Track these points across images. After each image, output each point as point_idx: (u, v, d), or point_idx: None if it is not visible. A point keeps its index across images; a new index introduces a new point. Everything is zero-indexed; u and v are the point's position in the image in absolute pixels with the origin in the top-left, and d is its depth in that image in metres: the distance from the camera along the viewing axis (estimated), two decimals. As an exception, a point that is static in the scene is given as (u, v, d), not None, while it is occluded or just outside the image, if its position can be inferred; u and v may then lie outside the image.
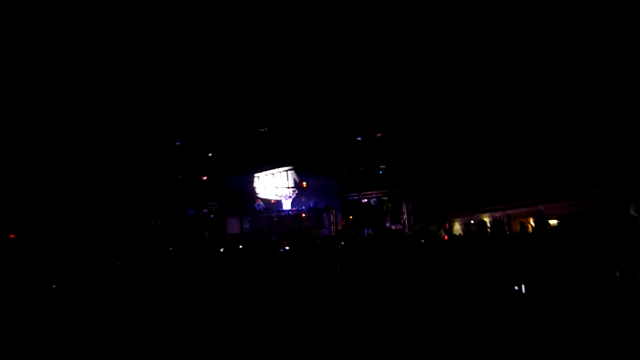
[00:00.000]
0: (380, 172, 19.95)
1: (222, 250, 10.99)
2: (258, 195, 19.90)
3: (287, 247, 10.05)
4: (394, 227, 18.84)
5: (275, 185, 20.24)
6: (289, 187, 20.34)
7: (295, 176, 20.42)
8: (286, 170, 20.42)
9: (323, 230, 18.41)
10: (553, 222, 11.15)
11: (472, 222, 16.57)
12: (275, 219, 18.83)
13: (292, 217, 18.78)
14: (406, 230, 18.35)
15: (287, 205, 19.38)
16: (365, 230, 18.08)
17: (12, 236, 11.55)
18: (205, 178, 19.57)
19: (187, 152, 19.12)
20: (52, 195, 14.48)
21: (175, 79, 14.71)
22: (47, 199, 14.26)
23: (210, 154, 19.44)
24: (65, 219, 14.26)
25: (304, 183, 20.35)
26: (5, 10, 10.05)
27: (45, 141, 14.22)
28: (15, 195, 13.27)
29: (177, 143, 18.74)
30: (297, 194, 19.98)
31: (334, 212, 19.12)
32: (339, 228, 18.88)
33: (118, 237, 15.12)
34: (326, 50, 13.83)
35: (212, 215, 19.37)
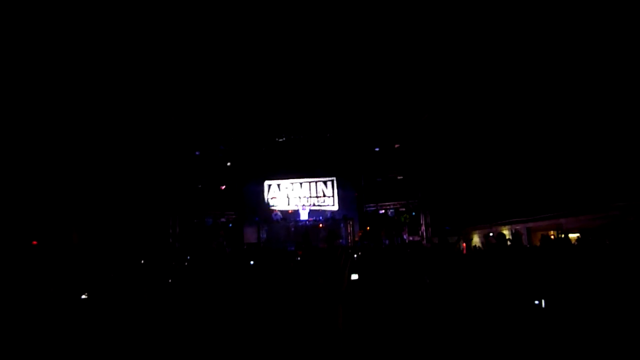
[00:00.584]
0: (398, 182, 20.08)
1: (239, 259, 10.93)
2: (275, 206, 20.11)
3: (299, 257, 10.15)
4: (411, 239, 18.90)
5: (292, 195, 20.40)
6: (305, 197, 20.52)
7: (313, 186, 20.63)
8: (307, 182, 20.61)
9: (340, 240, 18.66)
10: (573, 235, 10.82)
11: (491, 234, 16.50)
12: (293, 229, 19.10)
13: (309, 227, 18.96)
14: (424, 242, 18.38)
15: (304, 216, 19.60)
16: (385, 241, 18.27)
17: (35, 242, 11.76)
18: (223, 187, 19.89)
19: (207, 161, 19.47)
20: (81, 202, 14.83)
21: (195, 90, 15.16)
22: (77, 206, 14.63)
23: (229, 164, 19.77)
24: (91, 226, 14.66)
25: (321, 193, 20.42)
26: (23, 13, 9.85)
27: (73, 150, 14.55)
28: (54, 201, 13.72)
29: (197, 153, 19.10)
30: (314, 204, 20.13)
31: (351, 222, 19.34)
32: (356, 239, 19.00)
33: (137, 245, 15.38)
34: (345, 61, 13.96)
35: (230, 225, 19.70)
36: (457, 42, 12.64)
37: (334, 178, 20.61)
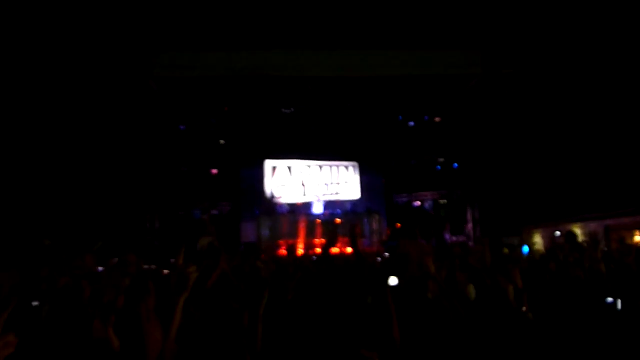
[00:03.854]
0: (439, 167, 20.22)
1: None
2: (282, 197, 20.25)
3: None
4: (455, 239, 19.04)
5: (309, 182, 20.47)
6: (326, 185, 20.64)
7: (329, 171, 20.77)
8: (329, 165, 20.72)
9: (363, 240, 18.53)
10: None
11: (557, 233, 16.58)
12: (302, 224, 18.95)
13: (324, 222, 18.94)
14: (471, 243, 18.35)
15: (318, 209, 19.59)
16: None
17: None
18: (215, 172, 19.94)
19: (194, 138, 19.45)
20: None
21: (177, 41, 14.95)
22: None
23: (222, 142, 19.76)
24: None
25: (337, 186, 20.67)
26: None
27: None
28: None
29: (182, 127, 19.10)
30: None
31: (377, 217, 19.25)
32: (384, 238, 19.02)
33: (105, 244, 15.38)
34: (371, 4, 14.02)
35: (224, 219, 19.87)
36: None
37: (356, 163, 20.90)
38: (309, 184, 20.41)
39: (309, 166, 20.60)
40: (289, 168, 20.39)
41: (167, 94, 17.49)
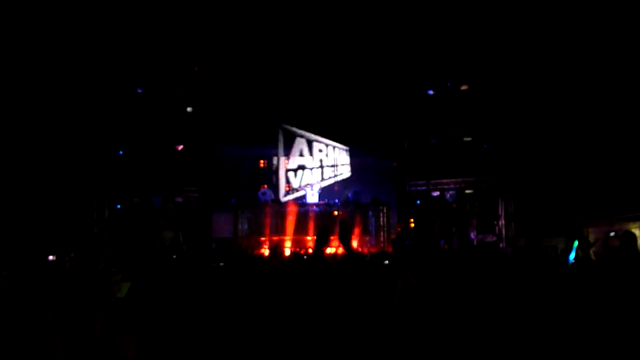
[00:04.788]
0: (464, 147, 20.04)
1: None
2: (303, 185, 20.21)
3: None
4: (481, 238, 18.78)
5: (292, 164, 20.48)
6: (314, 167, 20.46)
7: (325, 150, 20.80)
8: (312, 140, 20.59)
9: (367, 238, 18.37)
10: None
11: (612, 234, 15.98)
12: (291, 217, 18.47)
13: (318, 215, 18.47)
14: (502, 244, 18.46)
15: (312, 198, 19.22)
16: (436, 242, 17.52)
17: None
18: (181, 148, 19.76)
19: (153, 105, 19.15)
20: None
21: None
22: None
23: (189, 109, 19.56)
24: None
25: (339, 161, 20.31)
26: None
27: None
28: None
29: (139, 90, 18.80)
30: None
31: (384, 209, 18.74)
32: (393, 236, 18.72)
33: (41, 238, 14.52)
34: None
35: (191, 208, 19.82)
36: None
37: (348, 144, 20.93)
38: (296, 167, 20.71)
39: (301, 144, 20.80)
40: (310, 144, 20.87)
41: (117, 46, 17.26)
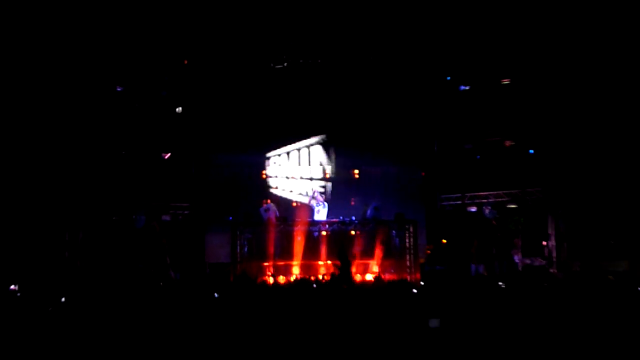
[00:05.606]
0: (506, 154, 19.82)
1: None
2: (270, 192, 20.16)
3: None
4: (528, 262, 18.86)
5: (300, 174, 20.40)
6: (325, 178, 20.52)
7: (335, 157, 20.77)
8: (321, 144, 20.64)
9: (390, 262, 18.12)
10: None
11: None
12: (299, 238, 18.34)
13: (332, 236, 18.38)
14: (553, 269, 18.35)
15: (320, 214, 19.10)
16: (473, 267, 18.06)
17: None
18: (168, 156, 19.68)
19: (136, 105, 19.18)
20: None
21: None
22: None
23: (179, 109, 19.50)
24: None
25: (356, 171, 20.27)
26: None
27: None
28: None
29: (118, 88, 18.83)
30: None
31: (411, 228, 18.36)
32: (422, 260, 18.64)
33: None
34: None
35: (180, 227, 19.68)
36: None
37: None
38: (304, 176, 20.76)
39: (310, 149, 20.82)
40: (270, 157, 20.99)
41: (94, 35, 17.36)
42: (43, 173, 17.23)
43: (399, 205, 19.46)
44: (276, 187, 20.80)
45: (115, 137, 19.16)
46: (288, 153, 20.76)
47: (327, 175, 20.65)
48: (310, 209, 19.50)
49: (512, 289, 13.65)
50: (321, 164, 20.75)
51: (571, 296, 12.06)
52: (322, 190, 20.36)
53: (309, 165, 20.73)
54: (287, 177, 20.62)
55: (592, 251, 17.60)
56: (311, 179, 20.64)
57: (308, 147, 20.72)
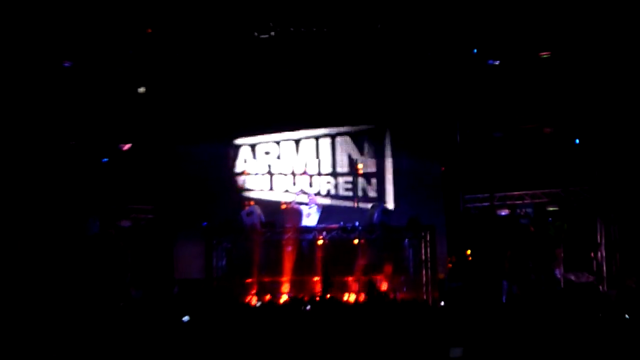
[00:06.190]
0: (545, 143, 19.44)
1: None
2: (251, 194, 20.21)
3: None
4: (573, 279, 18.26)
5: (291, 169, 20.66)
6: (320, 175, 20.66)
7: (339, 147, 20.69)
8: (318, 137, 20.73)
9: (403, 278, 17.86)
10: None
11: None
12: (290, 248, 17.99)
13: (330, 245, 18.04)
14: (603, 287, 17.99)
15: (311, 219, 18.77)
16: (504, 285, 17.49)
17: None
18: (128, 147, 19.16)
19: (87, 84, 18.69)
20: None
21: None
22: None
23: (140, 90, 19.10)
24: None
25: (359, 165, 20.13)
26: None
27: None
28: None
29: (66, 63, 18.15)
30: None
31: (428, 236, 17.84)
32: (441, 276, 18.27)
33: None
34: None
35: (143, 235, 19.52)
36: None
37: (388, 135, 20.72)
38: (295, 172, 20.78)
39: (303, 139, 20.85)
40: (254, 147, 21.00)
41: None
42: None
43: (413, 208, 19.34)
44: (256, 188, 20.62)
45: (62, 123, 18.62)
46: (278, 142, 20.55)
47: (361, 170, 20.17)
48: (298, 212, 19.10)
49: (553, 312, 12.99)
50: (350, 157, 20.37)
51: (627, 321, 11.76)
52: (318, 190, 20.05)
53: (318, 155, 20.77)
54: (280, 174, 20.41)
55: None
56: (335, 174, 20.35)
57: (318, 137, 20.64)
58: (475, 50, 19.20)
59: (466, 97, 19.99)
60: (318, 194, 20.09)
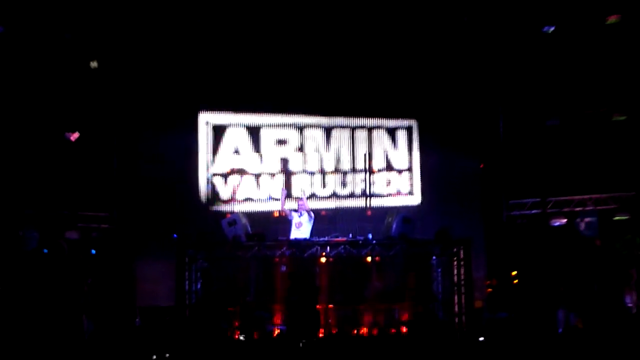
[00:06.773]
0: (614, 134, 18.83)
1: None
2: (235, 195, 19.92)
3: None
4: None
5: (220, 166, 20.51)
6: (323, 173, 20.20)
7: (347, 141, 20.25)
8: (324, 127, 20.26)
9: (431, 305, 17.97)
10: None
11: None
12: (284, 268, 17.57)
13: (336, 264, 17.52)
14: None
15: (303, 230, 17.43)
16: (560, 315, 17.12)
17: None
18: (76, 137, 18.21)
19: (25, 56, 17.87)
20: None
21: None
22: None
23: (94, 64, 18.24)
24: None
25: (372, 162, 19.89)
26: None
27: None
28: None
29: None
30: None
31: (461, 252, 16.87)
32: (479, 303, 17.75)
33: None
34: None
35: (96, 251, 18.80)
36: None
37: (412, 121, 20.40)
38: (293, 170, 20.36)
39: (302, 128, 20.27)
40: (253, 131, 20.21)
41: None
42: None
43: (442, 216, 18.74)
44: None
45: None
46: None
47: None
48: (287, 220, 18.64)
49: (622, 349, 12.45)
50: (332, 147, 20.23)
51: None
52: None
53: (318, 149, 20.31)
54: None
55: None
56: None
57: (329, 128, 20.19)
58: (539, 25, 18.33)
59: (511, 75, 19.49)
60: (312, 196, 19.24)
